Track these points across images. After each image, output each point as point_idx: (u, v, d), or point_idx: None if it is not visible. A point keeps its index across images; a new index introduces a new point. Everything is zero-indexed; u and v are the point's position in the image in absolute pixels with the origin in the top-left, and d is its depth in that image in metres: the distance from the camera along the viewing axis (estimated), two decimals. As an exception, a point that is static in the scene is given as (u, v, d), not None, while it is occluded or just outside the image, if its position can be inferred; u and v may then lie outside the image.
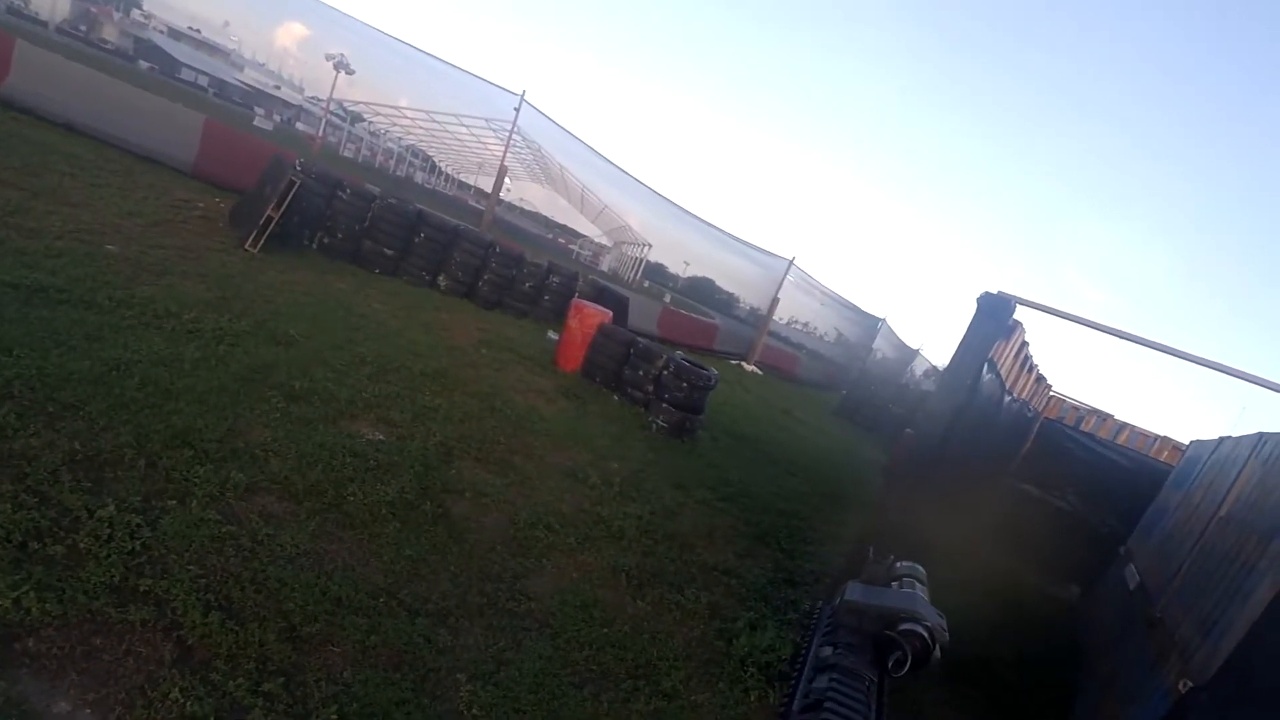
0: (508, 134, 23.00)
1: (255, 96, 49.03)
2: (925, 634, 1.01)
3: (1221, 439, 5.35)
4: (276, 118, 41.36)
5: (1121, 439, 9.93)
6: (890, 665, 1.00)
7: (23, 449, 3.23)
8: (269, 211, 8.43)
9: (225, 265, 7.55)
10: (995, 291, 3.59)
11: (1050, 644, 6.24)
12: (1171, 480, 6.68)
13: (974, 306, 3.66)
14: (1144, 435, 10.26)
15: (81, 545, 2.81)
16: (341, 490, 4.13)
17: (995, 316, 3.62)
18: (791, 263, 21.93)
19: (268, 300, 7.07)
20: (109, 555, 2.80)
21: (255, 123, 31.88)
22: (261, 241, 8.50)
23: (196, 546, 3.10)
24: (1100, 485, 7.55)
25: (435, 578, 3.72)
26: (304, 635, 2.88)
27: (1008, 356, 5.10)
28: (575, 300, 10.18)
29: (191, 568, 2.96)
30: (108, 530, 2.92)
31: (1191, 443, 6.97)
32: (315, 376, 5.63)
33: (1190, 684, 3.24)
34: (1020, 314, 4.11)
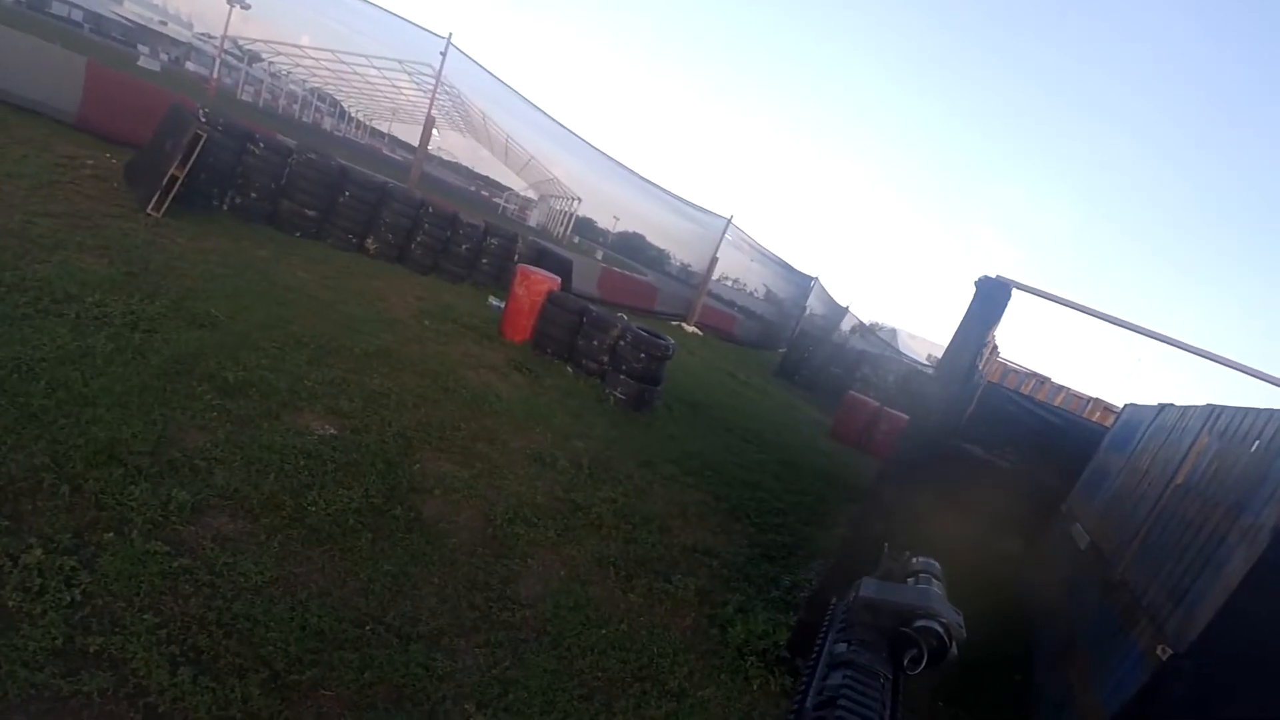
0: (428, 81, 21.46)
1: (138, 33, 43.68)
2: (941, 630, 0.95)
3: (1162, 406, 5.68)
4: (164, 56, 37.09)
5: (1058, 400, 10.54)
6: (906, 662, 0.94)
7: (-88, 484, 2.68)
8: (172, 170, 7.46)
9: (127, 234, 6.65)
10: (994, 276, 3.55)
11: (1003, 600, 6.57)
12: (1109, 442, 7.11)
13: (970, 290, 3.62)
14: (1078, 397, 10.92)
15: (10, 603, 2.35)
16: (301, 500, 3.73)
17: (993, 301, 3.58)
18: (730, 221, 21.85)
19: (181, 274, 6.30)
20: (44, 612, 2.37)
21: (140, 63, 28.42)
22: (166, 204, 7.54)
23: (147, 588, 2.68)
24: (1037, 445, 7.97)
25: (420, 594, 3.43)
26: (290, 683, 2.56)
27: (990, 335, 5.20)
28: (520, 266, 9.69)
29: (146, 615, 2.55)
30: (38, 580, 2.47)
31: (1126, 406, 7.43)
32: (248, 364, 5.07)
33: (1171, 651, 3.40)
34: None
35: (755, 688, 3.77)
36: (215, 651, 2.54)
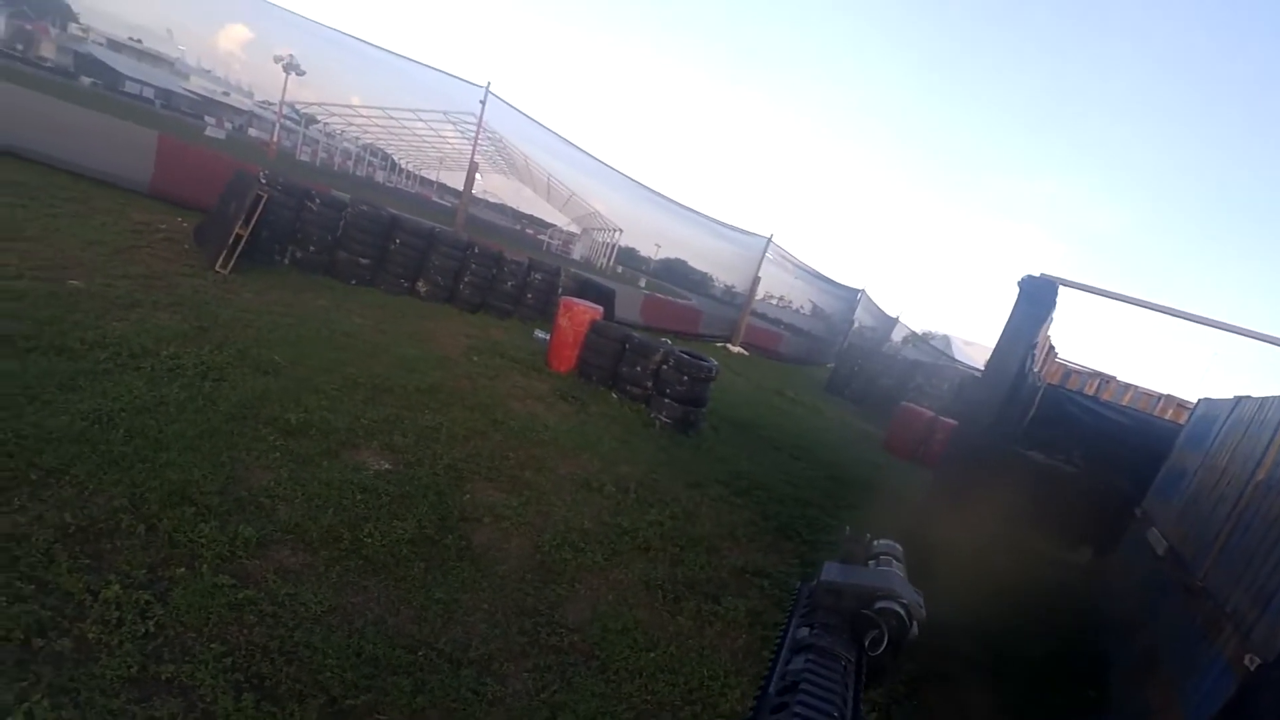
0: (471, 128, 22.38)
1: (204, 105, 47.21)
2: (902, 611, 0.93)
3: (1239, 399, 5.34)
4: (228, 125, 39.93)
5: (1125, 399, 10.00)
6: (868, 644, 0.93)
7: (9, 528, 2.93)
8: (237, 229, 8.00)
9: (197, 291, 7.15)
10: (1038, 275, 3.46)
11: (1072, 612, 6.23)
12: (1184, 440, 6.70)
13: (1015, 290, 3.53)
14: (1148, 395, 10.35)
15: (90, 635, 2.54)
16: (358, 532, 3.89)
17: (1038, 300, 3.48)
18: (770, 240, 21.80)
19: (247, 325, 6.71)
20: (122, 643, 2.55)
21: (207, 132, 30.69)
22: (232, 262, 8.08)
23: (215, 619, 2.85)
24: (1105, 447, 7.58)
25: (470, 620, 3.51)
26: (347, 708, 2.66)
27: (1041, 336, 5.04)
28: (564, 298, 9.91)
29: (214, 645, 2.71)
30: (116, 613, 2.66)
31: (1200, 401, 6.99)
32: (309, 406, 5.34)
33: (1259, 661, 3.18)
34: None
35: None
36: (277, 678, 2.67)
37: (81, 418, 3.97)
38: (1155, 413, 9.61)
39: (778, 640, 1.07)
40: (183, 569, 3.07)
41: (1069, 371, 10.80)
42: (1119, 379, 10.50)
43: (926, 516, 3.99)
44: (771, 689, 0.89)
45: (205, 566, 3.13)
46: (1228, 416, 5.30)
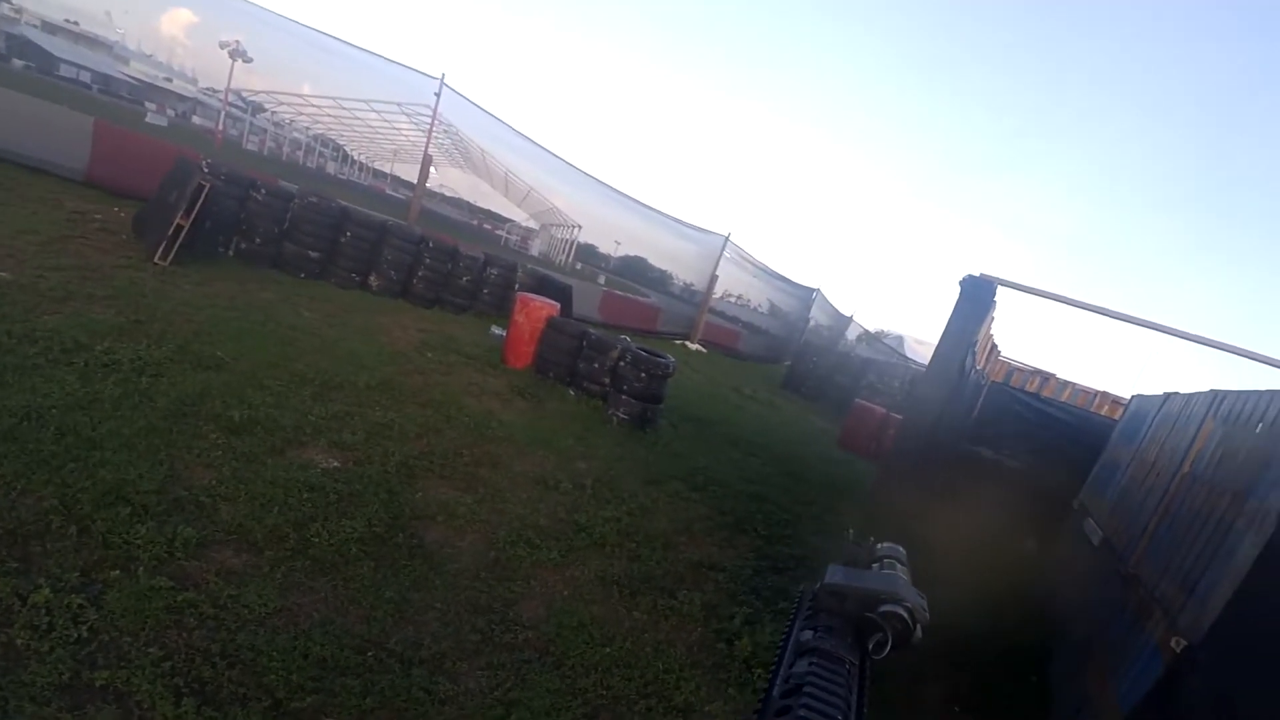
0: (426, 120, 21.94)
1: (145, 91, 45.04)
2: (906, 615, 0.97)
3: (1167, 395, 5.64)
4: (170, 112, 38.21)
5: (1065, 396, 10.46)
6: (871, 647, 0.96)
7: (-75, 531, 2.77)
8: (177, 220, 7.68)
9: (135, 283, 6.83)
10: (977, 274, 3.59)
11: (1016, 601, 6.48)
12: (1118, 435, 7.05)
13: (956, 290, 3.65)
14: (1085, 392, 10.84)
15: (19, 641, 2.42)
16: (304, 532, 3.79)
17: (977, 299, 3.61)
18: (727, 239, 22.01)
19: (187, 319, 6.45)
20: (52, 649, 2.43)
21: (148, 119, 29.31)
22: (172, 253, 7.75)
23: (152, 622, 2.74)
24: (1046, 442, 7.91)
25: (422, 619, 3.46)
26: (292, 711, 2.60)
27: (983, 334, 5.23)
28: (520, 294, 9.83)
29: (151, 649, 2.61)
30: (46, 618, 2.54)
31: (1133, 397, 7.37)
32: (253, 402, 5.18)
33: (1185, 643, 3.36)
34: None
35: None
36: (219, 682, 2.59)
37: (9, 414, 3.76)
38: (1093, 409, 10.09)
39: (781, 643, 1.07)
40: (118, 571, 2.94)
41: (1012, 369, 11.24)
42: (1059, 376, 11.01)
43: (874, 509, 4.10)
44: (775, 692, 0.92)
45: (142, 569, 3.01)
46: (1157, 412, 5.60)
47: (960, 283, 3.69)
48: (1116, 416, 8.42)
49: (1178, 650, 3.31)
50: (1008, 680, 5.09)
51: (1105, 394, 10.61)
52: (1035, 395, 9.44)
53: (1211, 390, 4.51)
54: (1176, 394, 5.36)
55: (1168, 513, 4.28)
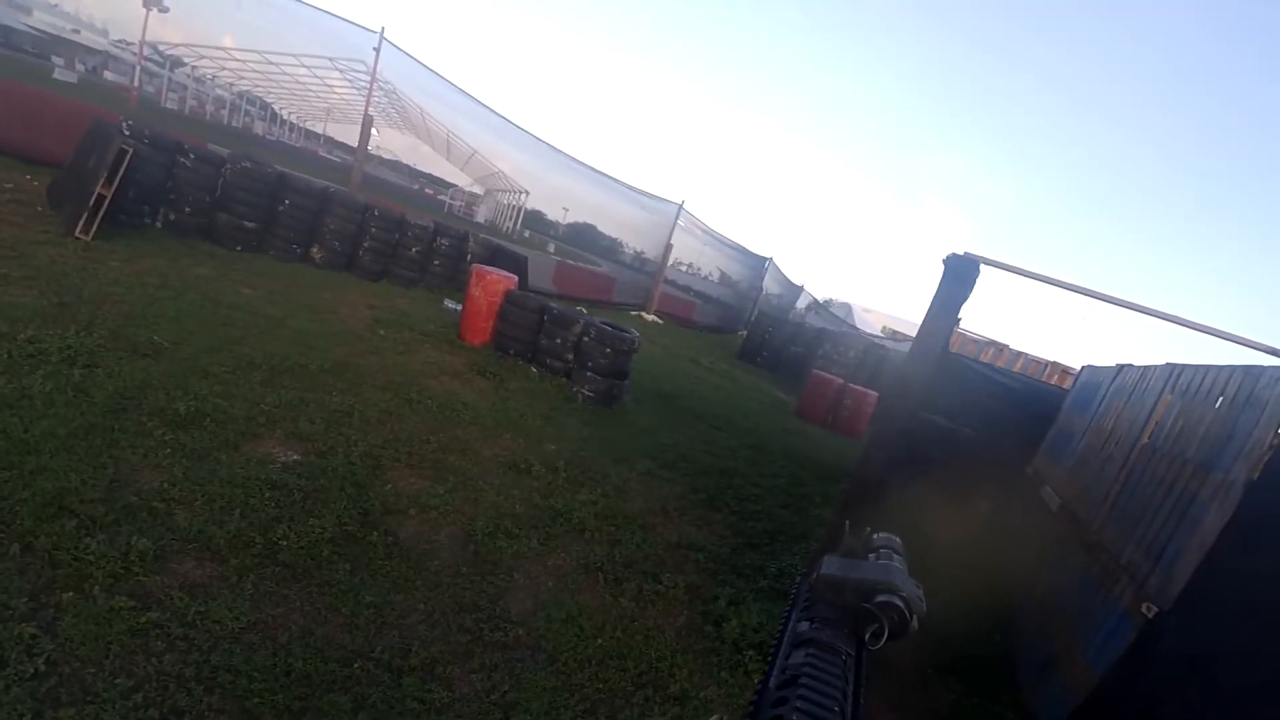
0: (361, 78, 20.74)
1: (51, 44, 40.92)
2: (902, 605, 0.97)
3: (1121, 367, 5.89)
4: (80, 67, 34.95)
5: (1017, 366, 10.87)
6: (868, 638, 0.96)
7: None
8: (98, 189, 7.01)
9: (56, 260, 6.24)
10: (961, 253, 3.58)
11: (976, 564, 6.74)
12: (1070, 404, 7.36)
13: (940, 268, 3.64)
14: (1036, 362, 11.30)
15: (-39, 685, 2.16)
16: (270, 535, 3.55)
17: (962, 278, 3.62)
18: (681, 207, 21.80)
19: (118, 300, 5.94)
20: (8, 688, 2.19)
21: (56, 75, 26.78)
22: (95, 226, 7.09)
23: (116, 649, 2.51)
24: (999, 411, 8.20)
25: (407, 622, 3.31)
26: (282, 736, 2.43)
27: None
28: (475, 266, 9.46)
29: (119, 680, 2.38)
30: (-8, 655, 2.28)
31: (1084, 368, 7.69)
32: (199, 392, 4.82)
33: (1156, 609, 3.52)
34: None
35: (756, 682, 3.78)
36: (197, 711, 2.39)
37: (-81, 418, 3.36)
38: (1044, 378, 10.53)
39: (777, 634, 1.04)
40: (71, 593, 2.67)
41: (967, 340, 11.60)
42: (1011, 347, 11.43)
43: (862, 487, 4.17)
44: (771, 683, 0.85)
45: (97, 588, 2.75)
46: (1110, 383, 5.84)
47: (945, 260, 3.69)
48: (1067, 386, 8.82)
49: (1150, 616, 3.47)
50: (975, 642, 5.30)
51: (1055, 364, 11.11)
52: (989, 365, 9.77)
53: (1169, 364, 4.70)
54: (1131, 366, 5.59)
55: (1128, 482, 4.47)
